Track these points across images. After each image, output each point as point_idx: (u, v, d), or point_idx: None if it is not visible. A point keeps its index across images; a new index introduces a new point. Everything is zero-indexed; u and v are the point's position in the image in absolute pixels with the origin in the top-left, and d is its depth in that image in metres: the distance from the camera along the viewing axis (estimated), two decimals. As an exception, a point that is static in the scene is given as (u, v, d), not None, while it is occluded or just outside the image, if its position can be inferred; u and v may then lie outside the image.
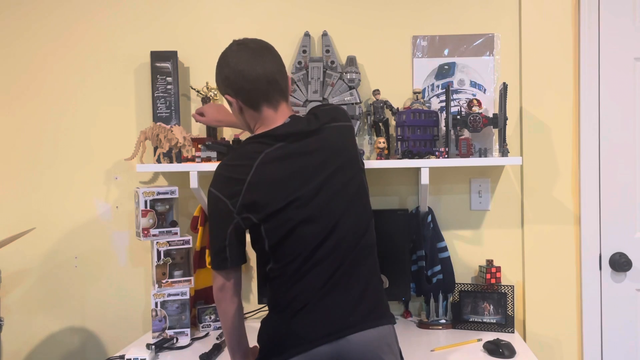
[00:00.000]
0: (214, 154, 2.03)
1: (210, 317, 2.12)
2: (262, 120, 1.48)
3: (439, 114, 2.16)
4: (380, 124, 2.14)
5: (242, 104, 1.47)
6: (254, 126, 1.51)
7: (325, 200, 1.40)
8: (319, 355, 1.34)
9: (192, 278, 2.05)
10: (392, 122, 2.19)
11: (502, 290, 2.05)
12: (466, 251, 2.22)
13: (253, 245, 1.47)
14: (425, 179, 1.97)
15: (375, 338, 1.37)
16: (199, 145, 2.07)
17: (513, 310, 2.05)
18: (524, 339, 2.17)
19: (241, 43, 1.48)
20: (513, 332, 2.01)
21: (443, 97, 2.20)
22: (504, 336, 1.94)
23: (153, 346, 1.85)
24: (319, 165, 1.42)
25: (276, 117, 1.47)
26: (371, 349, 1.36)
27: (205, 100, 2.19)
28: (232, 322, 1.51)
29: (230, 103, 1.49)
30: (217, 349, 1.85)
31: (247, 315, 2.25)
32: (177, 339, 1.98)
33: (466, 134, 2.12)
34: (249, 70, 1.42)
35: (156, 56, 2.18)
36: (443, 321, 2.07)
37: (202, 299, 2.18)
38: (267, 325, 1.45)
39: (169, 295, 2.01)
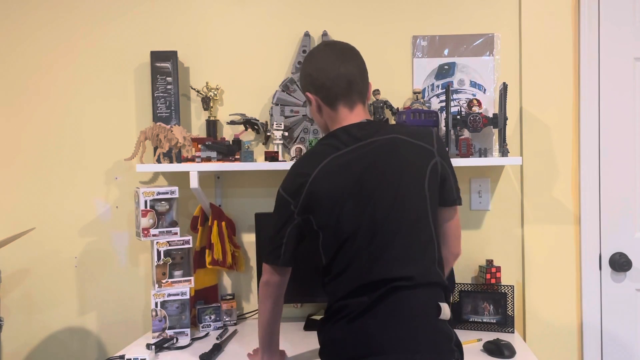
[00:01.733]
0: (214, 154, 2.03)
1: (210, 317, 2.12)
2: (338, 119, 1.48)
3: (439, 114, 2.16)
4: (380, 124, 2.14)
5: (320, 101, 1.48)
6: (330, 126, 1.51)
7: (380, 216, 1.35)
8: None
9: (192, 278, 2.05)
10: (392, 122, 2.19)
11: (502, 290, 2.05)
12: (466, 251, 2.22)
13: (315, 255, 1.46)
14: (425, 179, 1.97)
15: None
16: (199, 145, 2.07)
17: (513, 310, 2.05)
18: (524, 339, 2.17)
19: (329, 43, 1.51)
20: (513, 332, 2.01)
21: (443, 97, 2.20)
22: (504, 336, 1.94)
23: (153, 346, 1.85)
24: (378, 178, 1.38)
25: (351, 117, 1.47)
26: None
27: (206, 100, 2.20)
28: (266, 319, 1.57)
29: (309, 101, 1.51)
30: (217, 349, 1.85)
31: (247, 315, 2.25)
32: (177, 339, 1.98)
33: (466, 134, 2.12)
34: (332, 68, 1.45)
35: (156, 56, 2.18)
36: (443, 321, 2.07)
37: (202, 299, 2.18)
38: (328, 331, 1.40)
39: (169, 295, 2.01)
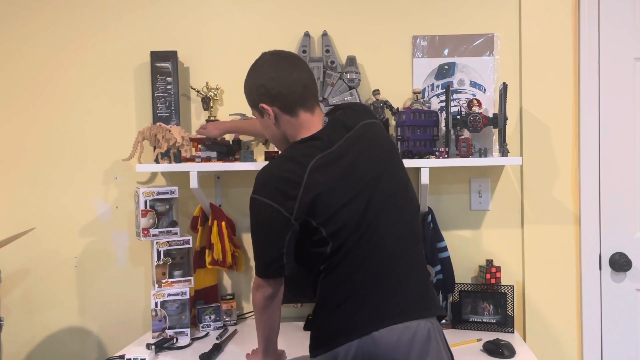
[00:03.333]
0: (214, 154, 2.03)
1: (210, 317, 2.12)
2: (300, 125, 1.47)
3: (439, 114, 2.16)
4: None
5: (278, 110, 1.46)
6: (292, 134, 1.49)
7: (376, 202, 1.40)
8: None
9: (192, 278, 2.05)
10: (392, 122, 2.19)
11: (502, 290, 2.05)
12: (466, 251, 2.22)
13: (309, 250, 1.43)
14: (425, 179, 1.97)
15: (401, 334, 1.34)
16: (199, 145, 2.07)
17: (513, 310, 2.05)
18: (524, 339, 2.17)
19: (274, 53, 1.51)
20: (513, 332, 2.01)
21: (443, 97, 2.20)
22: (503, 336, 1.94)
23: (153, 346, 1.85)
24: (367, 165, 1.43)
25: (314, 120, 1.48)
26: (394, 346, 1.32)
27: (206, 100, 2.19)
28: (269, 328, 1.54)
29: (263, 112, 1.48)
30: (217, 349, 1.85)
31: (247, 315, 2.25)
32: (177, 339, 1.98)
33: (466, 134, 2.12)
34: (286, 76, 1.45)
35: (156, 56, 2.18)
36: (443, 321, 2.07)
37: (202, 299, 2.18)
38: (318, 319, 1.45)
39: (169, 295, 2.01)
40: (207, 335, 2.06)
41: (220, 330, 2.09)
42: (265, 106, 1.46)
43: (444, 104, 2.17)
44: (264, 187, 1.40)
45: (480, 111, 2.06)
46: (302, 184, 1.36)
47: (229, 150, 2.07)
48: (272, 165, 1.43)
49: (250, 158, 2.05)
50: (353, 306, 1.37)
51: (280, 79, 1.44)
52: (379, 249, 1.39)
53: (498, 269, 2.11)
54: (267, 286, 1.46)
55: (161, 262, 2.00)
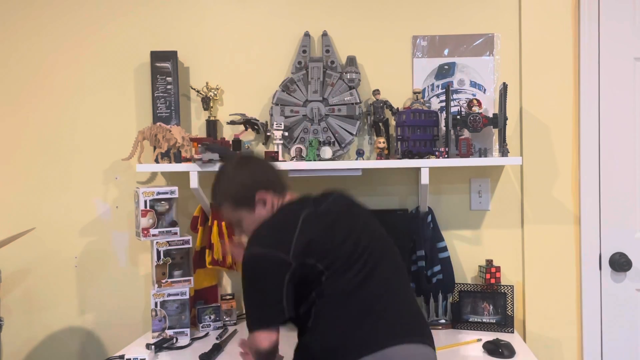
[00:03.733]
0: (216, 156, 1.99)
1: (209, 317, 2.12)
2: (284, 202, 1.59)
3: (439, 114, 2.16)
4: (380, 124, 2.14)
5: (273, 194, 1.57)
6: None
7: (367, 238, 1.49)
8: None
9: (191, 278, 2.05)
10: (392, 122, 2.19)
11: (502, 290, 2.05)
12: (466, 251, 2.22)
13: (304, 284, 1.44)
14: (425, 179, 1.97)
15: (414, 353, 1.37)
16: (198, 146, 2.06)
17: (513, 310, 2.05)
18: (524, 339, 2.17)
19: (243, 156, 1.71)
20: (513, 332, 2.01)
21: (443, 97, 2.20)
22: (503, 336, 1.94)
23: (153, 346, 1.85)
24: (352, 219, 1.53)
25: (293, 196, 1.62)
26: None
27: (206, 100, 2.19)
28: None
29: (262, 201, 1.56)
30: (216, 348, 1.85)
31: (247, 315, 2.25)
32: (176, 339, 1.98)
33: (466, 134, 2.12)
34: (270, 165, 1.64)
35: (156, 56, 2.18)
36: (443, 321, 2.07)
37: (201, 299, 2.18)
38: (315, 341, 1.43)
39: (169, 295, 2.01)
40: (207, 335, 2.06)
41: (220, 330, 2.09)
42: (263, 195, 1.56)
43: (444, 104, 2.17)
44: (258, 239, 1.46)
45: (480, 111, 2.06)
46: (297, 228, 1.42)
47: (227, 153, 2.06)
48: (266, 221, 1.50)
49: (250, 158, 2.04)
50: (360, 324, 1.38)
51: (269, 168, 1.62)
52: (377, 274, 1.44)
53: (498, 269, 2.10)
54: (269, 334, 1.43)
55: (161, 262, 2.00)
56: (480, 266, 2.16)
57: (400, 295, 1.46)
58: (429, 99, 2.21)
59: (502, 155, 2.02)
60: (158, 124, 2.06)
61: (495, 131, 2.18)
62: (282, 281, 1.39)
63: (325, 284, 1.40)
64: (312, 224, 1.44)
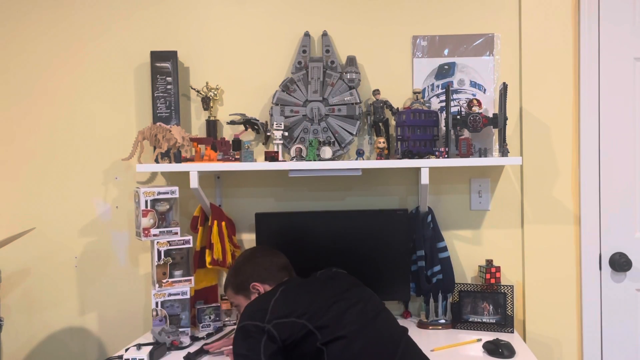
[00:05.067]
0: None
1: (210, 317, 2.12)
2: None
3: (439, 114, 2.16)
4: (380, 124, 2.15)
5: (269, 285, 1.80)
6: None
7: (358, 298, 1.62)
8: None
9: (192, 278, 2.05)
10: (392, 122, 2.19)
11: (502, 290, 2.05)
12: (466, 251, 2.22)
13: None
14: (425, 179, 1.97)
15: None
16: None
17: (513, 310, 2.05)
18: (524, 339, 2.17)
19: (254, 249, 1.95)
20: (513, 332, 2.01)
21: (443, 97, 2.20)
22: (503, 336, 1.94)
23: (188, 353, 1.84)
24: (334, 284, 1.68)
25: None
26: None
27: (206, 100, 2.19)
28: None
29: (257, 291, 1.79)
30: (204, 351, 1.83)
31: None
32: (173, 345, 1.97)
33: (466, 134, 2.12)
34: (273, 258, 1.87)
35: (156, 56, 2.18)
36: (443, 321, 2.07)
37: (202, 298, 2.18)
38: None
39: (169, 295, 2.01)
40: (206, 335, 2.06)
41: (210, 331, 2.09)
42: (257, 286, 1.79)
43: (444, 104, 2.17)
44: (242, 316, 1.58)
45: (480, 111, 2.06)
46: (275, 295, 1.60)
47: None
48: (249, 309, 1.61)
49: (250, 158, 2.05)
50: None
51: (267, 265, 1.83)
52: (376, 324, 1.56)
53: (498, 268, 2.11)
54: None
55: (161, 262, 2.00)
56: (480, 266, 2.16)
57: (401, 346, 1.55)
58: (429, 99, 2.21)
59: (502, 155, 2.02)
60: (158, 124, 2.06)
61: (495, 131, 2.18)
62: (259, 345, 1.52)
63: (328, 352, 1.48)
64: (289, 291, 1.62)
